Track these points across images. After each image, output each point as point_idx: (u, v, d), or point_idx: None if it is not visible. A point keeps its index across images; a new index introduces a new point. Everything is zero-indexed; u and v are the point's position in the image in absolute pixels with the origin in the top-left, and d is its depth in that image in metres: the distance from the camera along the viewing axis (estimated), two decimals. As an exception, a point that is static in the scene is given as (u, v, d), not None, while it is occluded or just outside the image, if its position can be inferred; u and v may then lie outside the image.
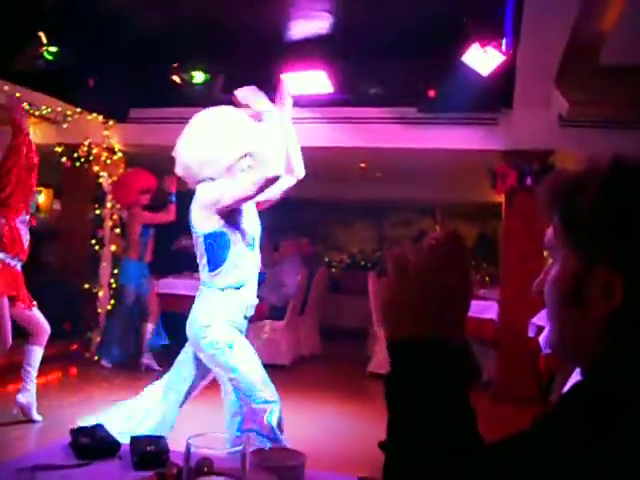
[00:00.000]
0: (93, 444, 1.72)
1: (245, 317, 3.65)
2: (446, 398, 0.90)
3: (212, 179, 3.62)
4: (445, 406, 0.89)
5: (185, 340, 3.87)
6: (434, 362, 0.91)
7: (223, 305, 3.57)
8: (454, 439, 0.87)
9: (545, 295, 1.01)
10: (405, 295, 0.95)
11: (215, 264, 3.59)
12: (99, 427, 1.82)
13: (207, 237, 3.59)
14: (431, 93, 6.75)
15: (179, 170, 3.92)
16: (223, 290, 3.57)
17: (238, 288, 3.59)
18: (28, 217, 5.36)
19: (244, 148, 3.63)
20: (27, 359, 5.40)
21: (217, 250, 3.57)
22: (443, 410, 0.89)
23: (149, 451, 1.67)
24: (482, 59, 6.01)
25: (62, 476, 1.57)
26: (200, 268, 3.69)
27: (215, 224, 3.54)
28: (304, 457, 1.70)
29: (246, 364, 3.52)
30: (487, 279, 8.84)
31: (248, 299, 3.64)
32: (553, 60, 5.49)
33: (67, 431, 1.80)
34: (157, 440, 1.74)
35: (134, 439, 1.75)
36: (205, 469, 1.14)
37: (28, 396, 5.31)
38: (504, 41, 5.76)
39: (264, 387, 3.54)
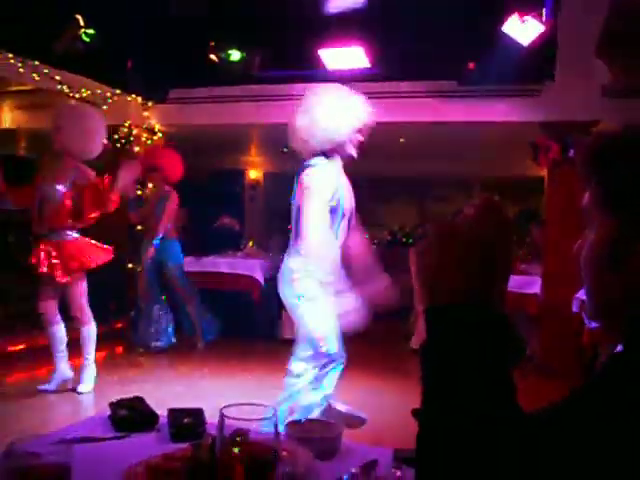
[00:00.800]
0: (131, 416, 1.74)
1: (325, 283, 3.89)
2: (484, 366, 0.88)
3: (324, 154, 3.93)
4: (482, 374, 0.87)
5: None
6: (473, 328, 0.89)
7: (303, 264, 3.84)
8: (490, 409, 0.86)
9: (582, 261, 0.99)
10: (443, 262, 0.94)
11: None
12: (138, 400, 1.85)
13: (299, 209, 3.85)
14: (471, 65, 6.64)
15: (296, 143, 4.15)
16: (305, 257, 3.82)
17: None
18: None
19: (356, 124, 3.95)
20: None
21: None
22: (480, 378, 0.87)
23: (186, 423, 1.69)
24: (522, 29, 5.91)
25: (101, 448, 1.60)
26: (291, 234, 3.99)
27: None
28: (340, 429, 1.71)
29: (315, 318, 3.84)
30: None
31: (328, 268, 3.86)
32: (595, 28, 5.35)
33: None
34: (194, 412, 1.75)
35: (172, 411, 1.77)
36: (239, 439, 1.14)
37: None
38: (544, 10, 5.64)
39: (330, 343, 3.84)
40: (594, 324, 5.14)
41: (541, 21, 5.87)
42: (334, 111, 3.96)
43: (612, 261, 0.92)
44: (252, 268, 8.12)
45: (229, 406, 1.14)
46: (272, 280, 8.19)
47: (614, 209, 0.93)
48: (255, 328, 8.13)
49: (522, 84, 6.81)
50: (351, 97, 4.07)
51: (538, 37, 5.96)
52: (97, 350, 6.50)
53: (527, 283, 7.11)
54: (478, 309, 0.90)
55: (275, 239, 9.98)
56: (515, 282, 6.70)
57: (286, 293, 4.00)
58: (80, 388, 5.60)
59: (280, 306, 8.09)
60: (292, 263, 3.91)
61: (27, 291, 7.66)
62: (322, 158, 3.92)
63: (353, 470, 1.45)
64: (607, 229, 0.94)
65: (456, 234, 0.94)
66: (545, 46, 6.09)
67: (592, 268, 0.97)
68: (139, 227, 8.02)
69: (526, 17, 5.75)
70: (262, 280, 8.09)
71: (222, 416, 1.12)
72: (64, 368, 5.67)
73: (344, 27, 6.55)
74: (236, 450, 1.12)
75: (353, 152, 3.97)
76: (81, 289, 5.74)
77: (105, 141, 5.79)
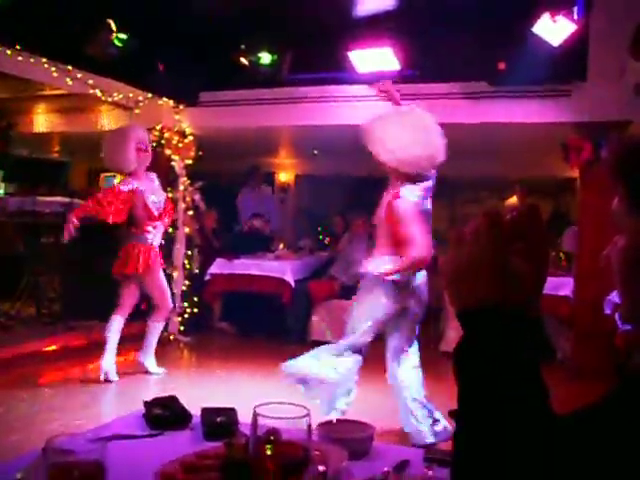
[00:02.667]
0: (165, 415, 1.77)
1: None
2: (515, 368, 0.88)
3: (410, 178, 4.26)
4: (514, 376, 0.87)
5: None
6: (503, 332, 0.89)
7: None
8: (525, 409, 0.86)
9: (615, 265, 0.99)
10: (462, 266, 0.94)
11: None
12: (171, 398, 1.87)
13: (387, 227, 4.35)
14: (501, 66, 6.59)
15: (388, 157, 4.30)
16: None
17: None
18: None
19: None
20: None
21: None
22: (513, 380, 0.87)
23: (219, 422, 1.70)
24: (553, 29, 5.86)
25: (135, 445, 1.62)
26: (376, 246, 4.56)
27: None
28: (372, 429, 1.71)
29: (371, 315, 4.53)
30: (562, 256, 8.63)
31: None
32: (627, 27, 5.29)
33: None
34: (227, 411, 1.77)
35: (205, 410, 1.78)
36: (272, 438, 1.15)
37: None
38: (575, 9, 5.58)
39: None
40: (627, 326, 5.08)
41: (572, 20, 5.82)
42: (425, 139, 4.21)
43: None
44: (282, 270, 8.15)
45: (262, 405, 1.15)
46: (302, 282, 8.27)
47: None
48: (285, 330, 8.16)
49: (553, 84, 6.75)
50: (435, 125, 4.33)
51: (569, 37, 5.90)
52: (130, 349, 6.62)
53: (559, 285, 7.04)
54: (509, 314, 0.90)
55: (305, 241, 10.02)
56: (548, 284, 6.63)
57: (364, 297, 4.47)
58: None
59: (310, 308, 8.14)
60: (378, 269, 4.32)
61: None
62: (410, 186, 4.24)
63: (385, 469, 1.45)
64: (638, 232, 0.94)
65: (485, 238, 0.94)
66: (576, 46, 6.03)
67: (625, 271, 0.97)
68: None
69: (557, 17, 5.71)
70: (292, 282, 8.11)
71: (255, 415, 1.13)
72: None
73: (374, 29, 6.55)
74: (269, 449, 1.13)
75: (432, 172, 4.29)
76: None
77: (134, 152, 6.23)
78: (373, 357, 7.18)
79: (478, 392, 0.88)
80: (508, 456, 0.84)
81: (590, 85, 6.64)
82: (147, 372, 6.41)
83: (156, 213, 6.37)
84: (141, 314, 7.81)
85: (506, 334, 0.89)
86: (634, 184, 0.95)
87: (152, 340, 6.50)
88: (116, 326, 6.22)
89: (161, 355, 7.16)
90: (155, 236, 6.38)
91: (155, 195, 6.43)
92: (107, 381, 6.01)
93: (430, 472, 1.47)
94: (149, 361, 6.49)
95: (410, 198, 4.19)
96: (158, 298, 6.47)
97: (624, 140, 1.04)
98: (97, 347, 7.05)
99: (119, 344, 6.26)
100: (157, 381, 6.16)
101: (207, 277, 8.35)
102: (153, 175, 6.51)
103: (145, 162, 6.33)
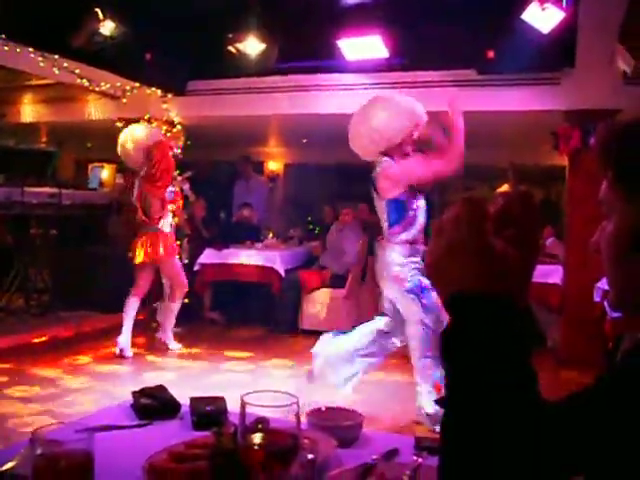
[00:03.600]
0: (154, 405, 1.76)
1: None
2: (505, 355, 0.87)
3: (386, 154, 4.48)
4: (502, 363, 0.86)
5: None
6: (493, 316, 0.88)
7: (399, 255, 4.36)
8: (513, 395, 0.85)
9: (603, 252, 0.98)
10: (452, 251, 0.93)
11: (393, 223, 4.44)
12: (160, 388, 1.86)
13: (389, 202, 4.47)
14: (490, 54, 6.58)
15: (363, 141, 4.57)
16: (399, 244, 4.36)
17: (412, 243, 4.41)
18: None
19: (411, 124, 4.45)
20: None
21: (396, 212, 4.45)
22: (500, 367, 0.86)
23: (208, 411, 1.70)
24: (542, 17, 5.85)
25: (123, 436, 1.61)
26: (383, 226, 4.55)
27: (397, 192, 4.44)
28: (361, 417, 1.71)
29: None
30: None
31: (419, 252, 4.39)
32: (617, 14, 5.29)
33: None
34: (216, 400, 1.76)
35: (194, 400, 1.78)
36: (260, 427, 1.14)
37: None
38: (564, -4, 5.58)
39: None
40: (616, 313, 5.10)
41: (561, 8, 5.81)
42: (390, 116, 4.38)
43: (633, 249, 0.91)
44: (272, 260, 8.14)
45: (250, 393, 1.14)
46: (292, 271, 8.27)
47: (631, 196, 0.92)
48: (275, 319, 8.16)
49: (542, 72, 6.75)
50: (404, 99, 4.52)
51: (558, 24, 5.89)
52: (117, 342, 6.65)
53: (548, 273, 7.07)
54: (496, 301, 0.89)
55: (295, 230, 10.02)
56: (537, 271, 6.65)
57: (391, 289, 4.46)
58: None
59: (300, 297, 8.14)
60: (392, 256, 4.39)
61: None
62: (387, 158, 4.45)
63: (374, 457, 1.45)
64: (626, 217, 0.93)
65: (443, 227, 0.93)
66: (565, 33, 6.02)
67: (613, 257, 0.96)
68: None
69: (546, 4, 5.69)
70: (282, 271, 8.10)
71: (243, 403, 1.13)
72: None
73: (362, 17, 6.52)
74: (257, 437, 1.13)
75: (409, 150, 4.46)
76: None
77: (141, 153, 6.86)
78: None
79: (465, 379, 0.88)
80: (496, 443, 0.84)
81: (579, 73, 6.65)
82: (167, 349, 7.04)
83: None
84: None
85: (493, 321, 0.88)
86: (622, 168, 0.94)
87: (171, 318, 7.13)
88: (132, 306, 6.79)
89: (150, 345, 7.17)
90: (164, 223, 6.88)
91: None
92: (122, 356, 6.59)
93: (420, 459, 1.47)
94: (169, 338, 7.12)
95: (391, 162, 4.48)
96: (174, 279, 7.03)
97: (610, 124, 1.02)
98: (86, 338, 7.06)
99: (106, 335, 6.57)
100: (147, 371, 6.15)
101: (197, 267, 8.34)
102: None
103: None
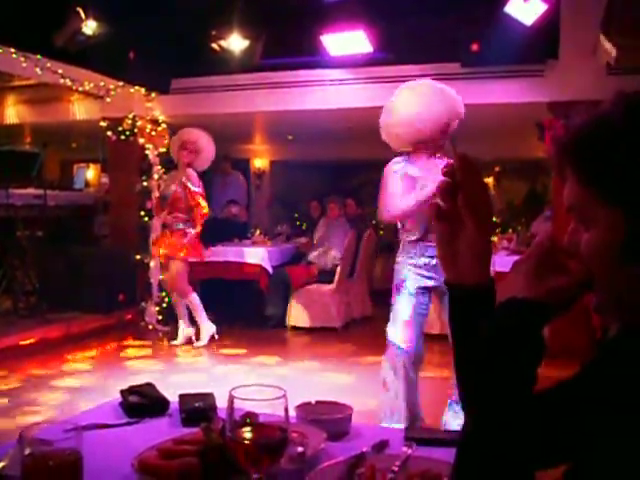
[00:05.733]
0: (142, 402, 1.75)
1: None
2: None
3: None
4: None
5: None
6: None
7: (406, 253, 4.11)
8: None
9: (588, 261, 0.92)
10: None
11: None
12: (148, 386, 1.85)
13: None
14: (474, 47, 6.60)
15: (398, 129, 4.08)
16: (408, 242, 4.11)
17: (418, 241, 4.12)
18: None
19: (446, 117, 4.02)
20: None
21: None
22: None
23: (197, 407, 1.69)
24: (525, 9, 5.86)
25: (112, 434, 1.60)
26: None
27: None
28: (350, 409, 1.71)
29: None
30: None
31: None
32: (599, 5, 5.30)
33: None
34: (205, 396, 1.76)
35: (183, 396, 1.77)
36: (248, 421, 1.14)
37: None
38: (546, -12, 5.60)
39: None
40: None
41: (544, 0, 5.82)
42: (424, 107, 3.94)
43: (624, 260, 0.87)
44: (259, 256, 8.13)
45: (238, 387, 1.14)
46: (280, 268, 8.26)
47: (611, 198, 0.87)
48: (264, 316, 8.16)
49: (526, 64, 6.77)
50: (440, 90, 4.06)
51: (541, 16, 5.91)
52: (108, 340, 6.60)
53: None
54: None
55: (282, 227, 10.01)
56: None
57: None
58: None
59: (288, 293, 8.14)
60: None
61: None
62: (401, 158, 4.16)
63: (364, 449, 1.45)
64: (614, 227, 0.88)
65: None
66: (549, 25, 6.04)
67: (603, 265, 0.91)
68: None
69: (529, -4, 5.71)
70: (270, 268, 8.10)
71: (231, 398, 1.13)
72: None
73: (346, 12, 6.52)
74: (246, 432, 1.12)
75: (443, 143, 4.10)
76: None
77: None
78: (352, 339, 7.21)
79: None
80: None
81: (563, 64, 6.67)
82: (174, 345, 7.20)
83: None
84: (118, 306, 7.79)
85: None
86: (592, 170, 0.89)
87: (182, 313, 7.32)
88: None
89: (139, 345, 7.15)
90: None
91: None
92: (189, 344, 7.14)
93: (409, 450, 1.47)
94: (187, 331, 7.31)
95: (392, 166, 4.16)
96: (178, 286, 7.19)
97: (567, 125, 1.01)
98: (75, 339, 7.03)
99: (94, 336, 6.60)
100: (135, 371, 6.13)
101: (184, 265, 8.31)
102: None
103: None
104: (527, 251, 1.00)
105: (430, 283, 4.00)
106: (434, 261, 3.94)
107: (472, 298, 1.01)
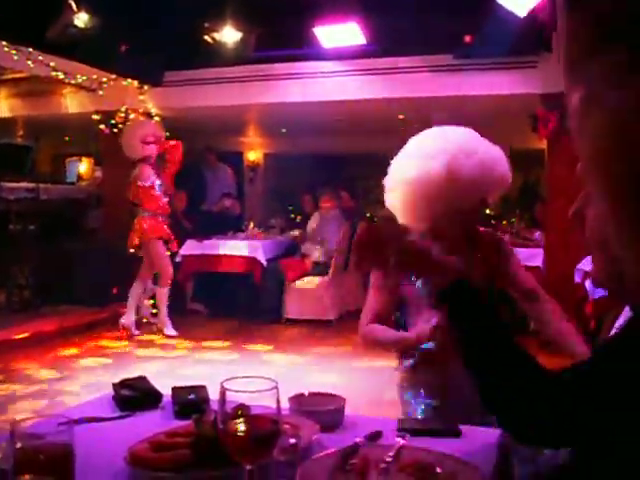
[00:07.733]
0: (135, 396, 1.75)
1: None
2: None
3: None
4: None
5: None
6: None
7: None
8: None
9: (591, 232, 0.88)
10: None
11: None
12: (141, 379, 1.85)
13: None
14: (467, 38, 6.60)
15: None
16: None
17: None
18: None
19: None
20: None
21: None
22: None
23: (190, 400, 1.69)
24: (518, 0, 5.85)
25: (105, 427, 1.60)
26: None
27: None
28: (343, 401, 1.71)
29: None
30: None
31: None
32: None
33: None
34: (198, 389, 1.76)
35: (175, 389, 1.77)
36: (240, 413, 1.14)
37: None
38: (540, -21, 5.59)
39: None
40: (597, 294, 5.14)
41: (538, -10, 5.82)
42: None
43: None
44: (253, 249, 8.12)
45: (230, 379, 1.14)
46: (274, 260, 8.25)
47: None
48: (258, 309, 8.16)
49: (519, 56, 6.76)
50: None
51: (535, 8, 5.90)
52: (102, 333, 6.59)
53: (529, 256, 7.09)
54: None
55: (276, 220, 10.00)
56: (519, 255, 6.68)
57: None
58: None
59: (282, 286, 8.14)
60: None
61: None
62: None
63: (357, 440, 1.45)
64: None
65: None
66: (542, 17, 6.03)
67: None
68: None
69: (522, -14, 5.70)
70: (264, 261, 8.09)
71: (223, 390, 1.12)
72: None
73: (339, 4, 6.51)
74: (238, 424, 1.12)
75: None
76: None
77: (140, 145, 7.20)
78: (347, 331, 7.20)
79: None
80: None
81: (556, 56, 6.66)
82: (163, 334, 7.27)
83: None
84: (112, 299, 7.77)
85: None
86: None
87: (161, 306, 7.37)
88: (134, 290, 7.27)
89: (133, 338, 7.15)
90: None
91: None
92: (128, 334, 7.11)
93: (402, 441, 1.47)
94: (163, 323, 7.36)
95: None
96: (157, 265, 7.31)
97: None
98: (69, 332, 7.01)
99: (89, 329, 6.64)
100: (128, 365, 6.12)
101: (178, 258, 8.29)
102: None
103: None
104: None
105: None
106: None
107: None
